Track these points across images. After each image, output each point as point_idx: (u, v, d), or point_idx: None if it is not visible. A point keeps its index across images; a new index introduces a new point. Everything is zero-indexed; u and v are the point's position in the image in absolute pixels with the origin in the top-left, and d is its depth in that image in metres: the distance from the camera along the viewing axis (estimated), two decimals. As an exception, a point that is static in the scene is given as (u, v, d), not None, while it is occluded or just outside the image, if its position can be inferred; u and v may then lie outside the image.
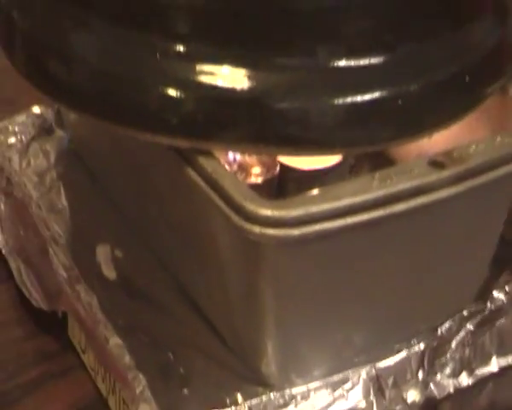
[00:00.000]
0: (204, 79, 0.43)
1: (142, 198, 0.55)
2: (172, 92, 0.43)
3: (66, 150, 0.65)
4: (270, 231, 0.40)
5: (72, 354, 0.57)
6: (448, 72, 0.47)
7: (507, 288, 0.55)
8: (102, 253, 0.56)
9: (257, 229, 0.40)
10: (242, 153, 0.54)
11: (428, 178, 0.43)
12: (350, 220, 0.42)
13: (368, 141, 0.46)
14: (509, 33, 0.50)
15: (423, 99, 0.46)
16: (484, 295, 0.54)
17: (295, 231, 0.41)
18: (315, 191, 0.43)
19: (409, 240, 0.47)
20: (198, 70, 0.43)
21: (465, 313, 0.53)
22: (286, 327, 0.46)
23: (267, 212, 0.40)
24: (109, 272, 0.55)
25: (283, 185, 0.56)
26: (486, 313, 0.54)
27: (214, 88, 0.43)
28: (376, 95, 0.45)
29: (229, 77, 0.43)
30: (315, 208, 0.41)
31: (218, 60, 0.43)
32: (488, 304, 0.54)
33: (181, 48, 0.43)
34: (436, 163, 0.44)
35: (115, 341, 0.50)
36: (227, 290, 0.47)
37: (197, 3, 0.43)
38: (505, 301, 0.54)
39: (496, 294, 0.55)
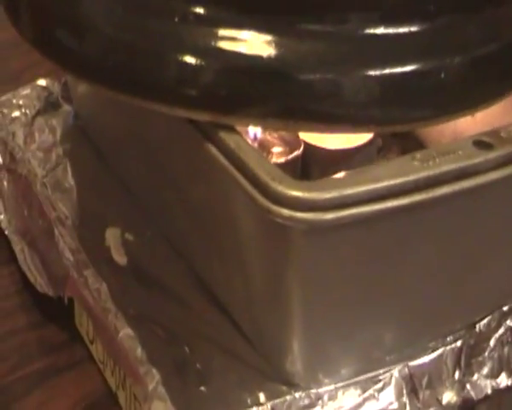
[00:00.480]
0: (226, 46, 0.41)
1: (156, 177, 0.53)
2: (191, 60, 0.40)
3: (72, 126, 0.62)
4: (301, 215, 0.38)
5: (80, 346, 0.54)
6: (493, 45, 0.45)
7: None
8: (112, 236, 0.53)
9: (286, 212, 0.38)
10: (268, 129, 0.51)
11: (475, 160, 0.41)
12: (389, 204, 0.39)
13: (406, 119, 0.43)
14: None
15: (468, 73, 0.44)
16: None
17: (329, 215, 0.38)
18: (350, 172, 0.41)
19: (451, 227, 0.44)
20: (220, 36, 0.41)
21: (505, 308, 0.51)
22: (313, 322, 0.44)
23: (297, 193, 0.38)
24: (119, 257, 0.52)
25: (307, 166, 0.54)
26: (528, 308, 0.51)
27: (238, 56, 0.41)
28: (417, 67, 0.42)
29: (254, 44, 0.40)
30: (351, 190, 0.38)
31: (241, 25, 0.40)
32: (530, 299, 0.51)
33: (201, 11, 0.41)
34: (482, 143, 0.41)
35: (126, 331, 0.47)
36: (249, 280, 0.45)
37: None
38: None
39: (539, 288, 0.52)
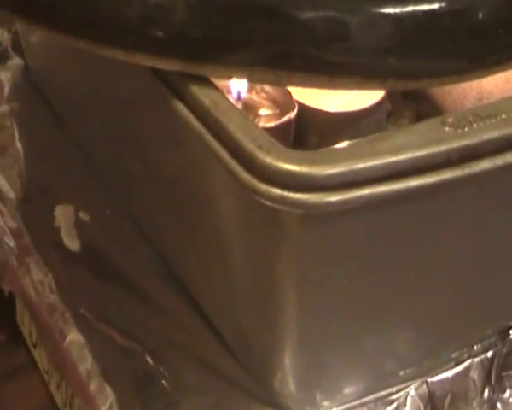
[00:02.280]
0: (202, -27, 0.35)
1: (119, 143, 0.49)
2: None
3: (24, 81, 0.58)
4: (297, 196, 0.32)
5: (23, 349, 0.49)
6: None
7: None
8: (63, 215, 0.49)
9: (276, 191, 0.32)
10: (254, 82, 0.44)
11: None
12: (412, 183, 0.34)
13: (433, 72, 0.38)
14: None
15: None
16: None
17: (334, 197, 0.32)
18: (361, 140, 0.34)
19: (488, 211, 0.39)
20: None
21: (545, 309, 0.46)
22: (310, 329, 0.39)
23: (292, 167, 0.32)
24: (71, 242, 0.47)
25: (302, 133, 0.49)
26: None
27: (216, -13, 0.35)
28: (447, 4, 0.36)
29: (238, -27, 0.35)
30: (363, 164, 0.32)
31: None
32: None
33: None
34: None
35: (74, 337, 0.43)
36: (231, 276, 0.40)
37: None
38: None
39: None
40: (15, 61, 0.59)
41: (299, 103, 0.48)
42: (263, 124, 0.49)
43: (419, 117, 0.53)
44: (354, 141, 0.34)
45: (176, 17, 0.35)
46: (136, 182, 0.48)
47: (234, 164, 0.33)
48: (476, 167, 0.34)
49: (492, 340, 0.45)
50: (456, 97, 0.51)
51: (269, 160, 0.32)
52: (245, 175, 0.33)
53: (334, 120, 0.49)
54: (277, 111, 0.49)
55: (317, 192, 0.32)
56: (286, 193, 0.32)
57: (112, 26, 0.36)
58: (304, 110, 0.48)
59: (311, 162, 0.32)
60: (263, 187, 0.32)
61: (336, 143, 0.46)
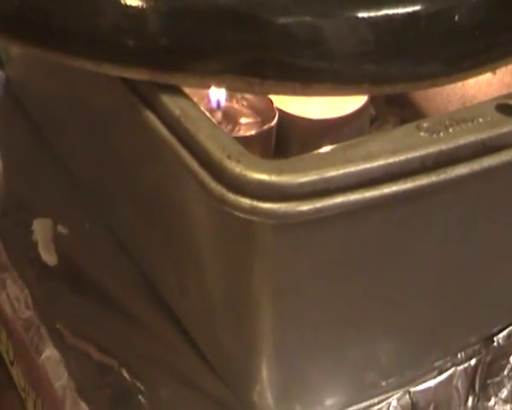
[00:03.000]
0: (172, -20, 0.35)
1: (98, 157, 0.48)
2: (126, 1, 0.34)
3: (4, 94, 0.58)
4: (267, 206, 0.32)
5: (2, 367, 0.48)
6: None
7: None
8: (41, 229, 0.48)
9: (246, 201, 0.32)
10: (227, 89, 0.44)
11: (500, 129, 0.34)
12: (387, 190, 0.33)
13: (409, 76, 0.38)
14: None
15: (490, 16, 0.38)
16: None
17: (305, 206, 0.32)
18: (334, 147, 0.34)
19: (466, 218, 0.38)
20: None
21: (529, 316, 0.45)
22: (287, 342, 0.38)
23: (263, 176, 0.31)
24: (49, 256, 0.46)
25: (283, 141, 0.48)
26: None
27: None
28: (422, 7, 0.36)
29: (209, -21, 0.35)
30: (335, 172, 0.32)
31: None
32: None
33: None
34: (508, 108, 0.35)
35: (50, 353, 0.42)
36: (206, 288, 0.39)
37: None
38: None
39: None
40: (-5, 74, 0.59)
41: (281, 111, 0.47)
42: (243, 132, 0.48)
43: (403, 122, 0.52)
44: (327, 148, 0.33)
45: (144, 25, 0.34)
46: (114, 194, 0.47)
47: (203, 174, 0.32)
48: (452, 173, 0.34)
49: (476, 348, 0.45)
50: (441, 102, 0.51)
51: (238, 169, 0.31)
52: (214, 185, 0.32)
53: (316, 127, 0.48)
54: (258, 119, 0.48)
55: (288, 201, 0.31)
56: (256, 203, 0.31)
57: (79, 37, 0.36)
58: (285, 117, 0.47)
59: (282, 171, 0.31)
60: (232, 197, 0.31)
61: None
